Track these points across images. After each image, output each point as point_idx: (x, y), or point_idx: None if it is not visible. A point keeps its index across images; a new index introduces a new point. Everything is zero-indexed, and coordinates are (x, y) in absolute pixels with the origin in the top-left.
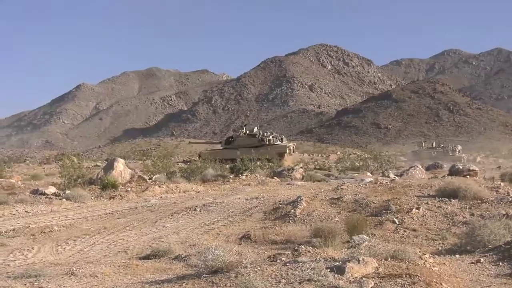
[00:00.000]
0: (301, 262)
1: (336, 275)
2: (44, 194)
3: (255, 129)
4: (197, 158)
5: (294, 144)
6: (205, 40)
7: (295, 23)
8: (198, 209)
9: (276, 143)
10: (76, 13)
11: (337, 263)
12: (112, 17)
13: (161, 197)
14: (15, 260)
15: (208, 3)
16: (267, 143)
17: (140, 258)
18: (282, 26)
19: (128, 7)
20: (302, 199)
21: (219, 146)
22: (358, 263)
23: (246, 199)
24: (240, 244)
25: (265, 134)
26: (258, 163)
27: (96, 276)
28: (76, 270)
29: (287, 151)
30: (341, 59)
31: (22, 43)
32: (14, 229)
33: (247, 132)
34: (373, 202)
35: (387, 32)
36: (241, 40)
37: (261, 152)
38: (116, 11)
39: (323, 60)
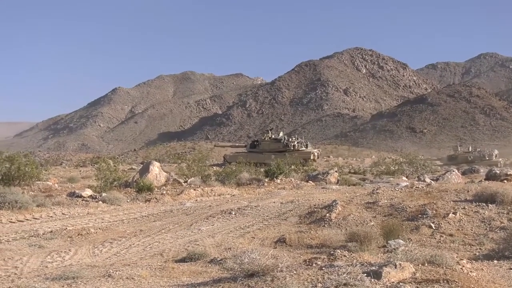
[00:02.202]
0: (337, 266)
1: (372, 280)
2: (80, 196)
3: (281, 134)
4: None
5: (319, 150)
6: (240, 44)
7: (330, 27)
8: (233, 213)
9: (301, 148)
10: (113, 18)
11: (374, 268)
12: (148, 21)
13: (196, 200)
14: (52, 262)
15: (243, 8)
16: (292, 148)
17: (176, 261)
18: (317, 30)
19: (164, 12)
20: (337, 203)
21: (244, 150)
22: (395, 268)
23: (281, 202)
24: (275, 248)
25: (290, 139)
26: (292, 167)
27: (132, 278)
28: (113, 273)
29: (312, 157)
30: (376, 62)
31: (60, 48)
32: (51, 231)
33: (273, 136)
34: (409, 207)
35: (423, 35)
36: (276, 44)
37: (287, 157)
38: (151, 16)
39: (357, 64)
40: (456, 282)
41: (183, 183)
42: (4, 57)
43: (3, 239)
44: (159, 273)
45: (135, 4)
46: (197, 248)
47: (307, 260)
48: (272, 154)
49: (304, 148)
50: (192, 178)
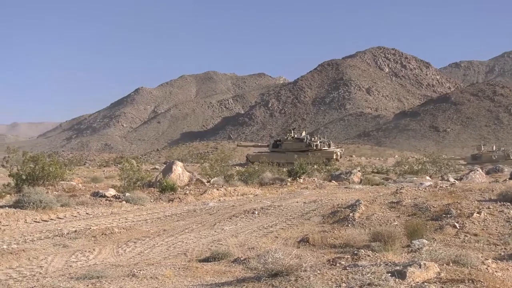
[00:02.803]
0: (361, 266)
1: (397, 280)
2: (104, 196)
3: (303, 134)
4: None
5: (342, 150)
6: (262, 44)
7: (353, 26)
8: (256, 212)
9: (324, 148)
10: (136, 19)
11: (398, 268)
12: (171, 22)
13: (219, 200)
14: (77, 261)
15: (266, 8)
16: (315, 148)
17: (200, 261)
18: (339, 29)
19: (186, 13)
20: (360, 203)
21: (266, 149)
22: (419, 267)
23: (304, 202)
24: (299, 248)
25: (313, 139)
26: (315, 166)
27: (156, 278)
28: (137, 272)
29: (334, 157)
30: (399, 61)
31: (83, 50)
32: (75, 231)
33: (295, 136)
34: (433, 206)
35: (446, 34)
36: (298, 43)
37: (309, 156)
38: (174, 17)
39: (380, 63)
40: (481, 282)
41: (206, 183)
42: (29, 60)
43: (28, 239)
44: (183, 273)
45: (158, 6)
46: (220, 247)
47: (331, 260)
48: (294, 153)
49: (327, 148)
50: (215, 178)
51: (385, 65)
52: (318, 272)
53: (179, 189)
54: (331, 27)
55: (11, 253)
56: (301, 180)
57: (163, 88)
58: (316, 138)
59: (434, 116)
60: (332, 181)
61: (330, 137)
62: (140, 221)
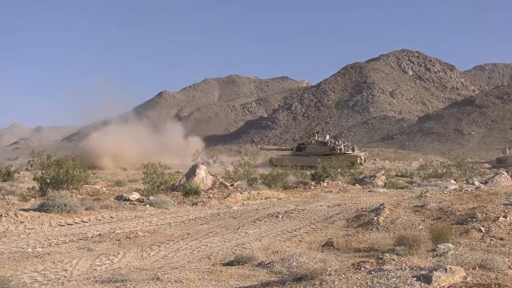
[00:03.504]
0: (386, 270)
1: (422, 284)
2: (128, 200)
3: (327, 137)
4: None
5: (366, 153)
6: (284, 47)
7: (376, 29)
8: (280, 216)
9: (348, 152)
10: (157, 22)
11: (423, 272)
12: (193, 25)
13: (243, 203)
14: (101, 265)
15: (288, 10)
16: (338, 151)
17: (224, 264)
18: (362, 32)
19: (208, 15)
20: (385, 207)
21: (290, 153)
22: (445, 272)
23: (328, 206)
24: (323, 252)
25: (337, 142)
26: (339, 170)
27: (181, 281)
28: (161, 276)
29: (358, 161)
30: (423, 64)
31: (105, 52)
32: (100, 234)
33: (319, 139)
34: (458, 210)
35: (470, 36)
36: (321, 46)
37: (333, 160)
38: (196, 20)
39: (404, 66)
40: (508, 286)
41: (229, 187)
42: (54, 63)
43: (52, 242)
44: (207, 276)
45: (181, 10)
46: (244, 251)
47: (356, 264)
48: (318, 157)
49: (351, 151)
50: (239, 181)
51: (408, 68)
52: (343, 276)
53: (202, 192)
54: (354, 30)
55: (36, 256)
56: (325, 184)
57: (186, 91)
58: (340, 141)
59: (458, 119)
60: (356, 184)
61: (354, 140)
62: (164, 224)
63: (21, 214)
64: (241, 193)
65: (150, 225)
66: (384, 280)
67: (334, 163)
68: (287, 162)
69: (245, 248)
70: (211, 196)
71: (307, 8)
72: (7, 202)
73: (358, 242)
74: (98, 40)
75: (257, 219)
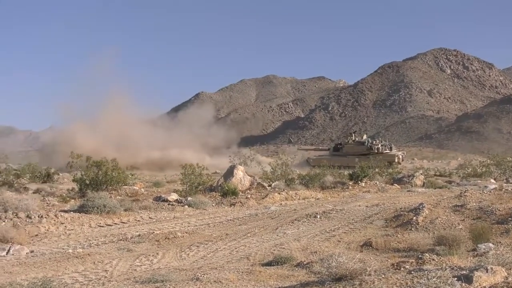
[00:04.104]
0: (426, 270)
1: (463, 284)
2: (166, 201)
3: (364, 137)
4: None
5: (403, 153)
6: (321, 46)
7: (413, 28)
8: (318, 216)
9: (385, 151)
10: (194, 24)
11: (464, 272)
12: (230, 26)
13: (281, 204)
14: (141, 265)
15: (324, 10)
16: (376, 151)
17: (263, 265)
18: (399, 31)
19: (245, 16)
20: (424, 206)
21: (327, 153)
22: (486, 272)
23: (366, 206)
24: (362, 252)
25: (374, 142)
26: (377, 170)
27: (220, 282)
28: (200, 276)
29: (396, 160)
30: (461, 63)
31: (144, 54)
32: (139, 235)
33: (356, 139)
34: (499, 210)
35: (509, 34)
36: (358, 46)
37: (371, 160)
38: (232, 21)
39: (442, 65)
40: None
41: (267, 187)
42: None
43: (93, 243)
44: (246, 277)
45: (217, 10)
46: (283, 251)
47: (395, 264)
48: (355, 157)
49: (388, 151)
50: (276, 182)
51: (446, 66)
52: (383, 276)
53: (240, 193)
54: (391, 29)
55: (76, 257)
56: (363, 184)
57: (223, 92)
58: (378, 141)
59: (498, 118)
60: (394, 184)
61: (391, 140)
62: (202, 225)
63: (61, 215)
64: (279, 193)
65: (188, 226)
66: (424, 280)
67: (371, 163)
68: (325, 162)
69: (283, 248)
70: (249, 196)
71: (343, 7)
72: (47, 203)
73: (397, 242)
74: (136, 43)
75: (295, 219)
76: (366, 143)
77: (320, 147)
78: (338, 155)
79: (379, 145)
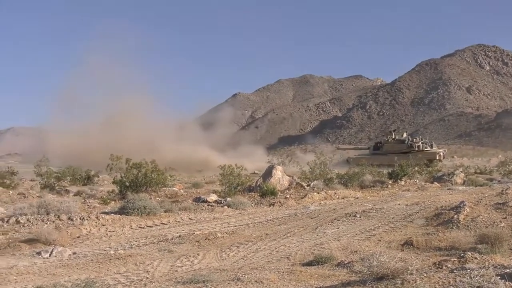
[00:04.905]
0: (469, 269)
1: (507, 283)
2: (206, 201)
3: (404, 135)
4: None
5: (444, 150)
6: (357, 45)
7: (450, 24)
8: (358, 215)
9: (426, 149)
10: (231, 24)
11: (508, 270)
12: (265, 25)
13: (320, 203)
14: (182, 266)
15: (361, 8)
16: (416, 149)
17: (303, 264)
18: (437, 28)
19: (280, 16)
20: (465, 204)
21: (367, 152)
22: None
23: (406, 204)
24: (403, 251)
25: (414, 140)
26: (416, 168)
27: (261, 282)
28: (241, 276)
29: (437, 157)
30: (500, 59)
31: (182, 56)
32: (179, 236)
33: (396, 137)
34: None
35: None
36: (395, 43)
37: (410, 158)
38: (269, 20)
39: (480, 61)
40: None
41: (306, 187)
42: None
43: (133, 244)
44: (287, 277)
45: (254, 11)
46: (323, 251)
47: (437, 263)
48: (396, 155)
49: (429, 149)
50: (315, 181)
51: (485, 63)
52: (425, 275)
53: (279, 193)
54: (428, 26)
55: (118, 258)
56: (402, 182)
57: (260, 93)
58: (418, 139)
59: None
60: (434, 182)
61: (430, 138)
62: (242, 225)
63: (102, 217)
64: (318, 193)
65: (228, 226)
66: (467, 279)
67: (412, 161)
68: (365, 161)
69: (323, 248)
70: (288, 196)
71: (380, 5)
72: (88, 205)
73: (438, 240)
74: (174, 45)
75: (335, 219)
76: (407, 141)
77: (360, 146)
78: (378, 154)
79: (420, 143)
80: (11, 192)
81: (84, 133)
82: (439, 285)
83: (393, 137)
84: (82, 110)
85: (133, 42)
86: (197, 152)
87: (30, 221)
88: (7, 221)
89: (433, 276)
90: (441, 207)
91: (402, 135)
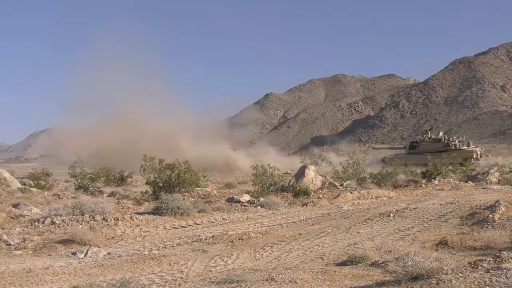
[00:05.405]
0: (505, 269)
1: None
2: (239, 202)
3: (440, 134)
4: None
5: (481, 149)
6: (390, 44)
7: (484, 22)
8: (391, 215)
9: (462, 147)
10: (263, 25)
11: None
12: (297, 25)
13: (353, 203)
14: (216, 266)
15: (392, 8)
16: (453, 147)
17: (337, 264)
18: (470, 25)
19: (312, 16)
20: (500, 204)
21: (403, 151)
22: None
23: (440, 204)
24: (437, 251)
25: (451, 138)
26: (450, 167)
27: (295, 282)
28: (275, 276)
29: (474, 156)
30: None
31: (214, 57)
32: (213, 236)
33: (432, 136)
34: None
35: None
36: (428, 42)
37: (447, 157)
38: (300, 20)
39: None
40: None
41: (339, 186)
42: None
43: (168, 244)
44: (321, 277)
45: (284, 11)
46: (357, 251)
47: (472, 263)
48: (432, 154)
49: (466, 147)
50: (348, 181)
51: None
52: (460, 275)
53: (312, 193)
54: (461, 24)
55: (152, 258)
56: (436, 182)
57: (292, 93)
58: (455, 137)
59: None
60: (469, 182)
61: (465, 137)
62: (275, 225)
63: (136, 218)
64: (351, 192)
65: (261, 226)
66: (503, 278)
67: (449, 160)
68: (401, 161)
69: (357, 247)
70: (321, 196)
71: (412, 4)
72: (122, 206)
73: (473, 240)
74: (206, 47)
75: (368, 219)
76: (443, 140)
77: (395, 146)
78: (414, 153)
79: (456, 141)
80: (46, 193)
81: (101, 132)
82: (475, 285)
83: (429, 136)
84: (100, 108)
85: (164, 43)
86: (216, 152)
87: (65, 222)
88: (43, 222)
89: (468, 276)
90: (476, 206)
91: (438, 134)
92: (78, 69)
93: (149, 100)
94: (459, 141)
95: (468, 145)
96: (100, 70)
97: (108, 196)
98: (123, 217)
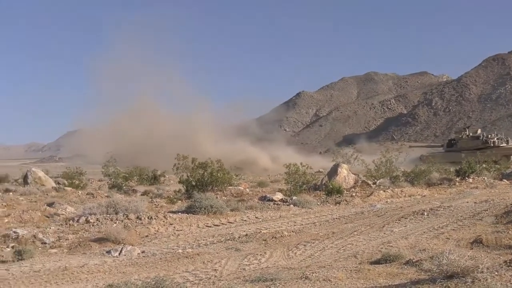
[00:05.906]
0: None
1: None
2: (271, 200)
3: (479, 131)
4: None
5: None
6: (422, 41)
7: None
8: (425, 213)
9: (502, 145)
10: (293, 24)
11: None
12: (328, 23)
13: (387, 201)
14: (249, 265)
15: (425, 5)
16: (492, 145)
17: (371, 263)
18: (504, 22)
19: (342, 14)
20: None
21: (440, 149)
22: None
23: (475, 202)
24: (472, 249)
25: (489, 136)
26: (484, 165)
27: (329, 280)
28: (309, 275)
29: None
30: None
31: (247, 55)
32: (246, 235)
33: (470, 134)
34: None
35: None
36: (461, 39)
37: (486, 154)
38: (332, 17)
39: None
40: None
41: (372, 185)
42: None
43: (201, 243)
44: (355, 275)
45: (315, 10)
46: (391, 249)
47: (508, 261)
48: (471, 152)
49: (505, 144)
50: (381, 179)
51: None
52: (496, 273)
53: (345, 191)
54: (495, 20)
55: (186, 257)
56: (470, 180)
57: (324, 91)
58: (493, 135)
59: None
60: (503, 180)
61: (501, 134)
62: (308, 224)
63: (169, 216)
64: (384, 191)
65: (294, 225)
66: None
67: (489, 157)
68: (440, 159)
69: (391, 246)
70: (354, 194)
71: (444, 2)
72: (155, 205)
73: (508, 238)
74: (238, 45)
75: (402, 217)
76: (481, 137)
77: (433, 144)
78: (452, 151)
79: (495, 138)
80: (80, 192)
81: (126, 131)
82: (511, 283)
83: (467, 133)
84: (121, 104)
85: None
86: (236, 150)
87: (99, 221)
88: (77, 221)
89: (504, 274)
90: (511, 204)
91: (476, 132)
92: (100, 66)
93: (172, 100)
94: (497, 139)
95: (507, 142)
96: (124, 71)
97: (141, 195)
98: (157, 216)
